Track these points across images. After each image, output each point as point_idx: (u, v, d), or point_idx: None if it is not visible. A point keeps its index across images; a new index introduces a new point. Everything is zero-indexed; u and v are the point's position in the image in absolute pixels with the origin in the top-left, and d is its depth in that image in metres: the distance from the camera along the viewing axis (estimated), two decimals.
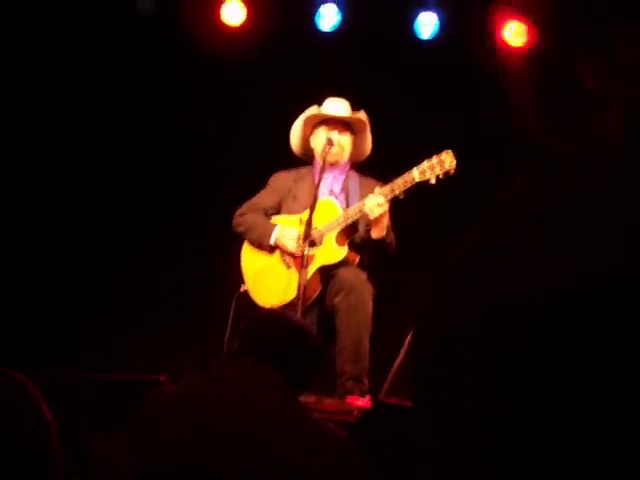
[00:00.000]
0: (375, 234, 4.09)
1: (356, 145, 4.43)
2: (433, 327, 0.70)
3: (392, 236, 4.18)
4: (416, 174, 4.03)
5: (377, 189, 4.08)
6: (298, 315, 3.75)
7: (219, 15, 5.62)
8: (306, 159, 4.52)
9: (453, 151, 4.05)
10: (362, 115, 4.40)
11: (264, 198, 4.44)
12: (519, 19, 5.39)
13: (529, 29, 5.34)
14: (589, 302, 0.62)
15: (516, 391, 0.62)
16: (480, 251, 0.70)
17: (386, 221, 4.08)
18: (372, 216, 4.02)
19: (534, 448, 0.61)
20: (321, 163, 4.23)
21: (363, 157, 4.49)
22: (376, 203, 4.00)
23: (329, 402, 3.77)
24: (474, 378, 0.64)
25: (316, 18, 5.63)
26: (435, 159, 4.05)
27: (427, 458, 0.70)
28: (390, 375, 3.68)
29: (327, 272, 4.13)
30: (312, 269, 4.07)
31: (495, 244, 0.68)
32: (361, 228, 4.22)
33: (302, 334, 2.28)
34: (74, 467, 1.88)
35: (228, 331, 3.96)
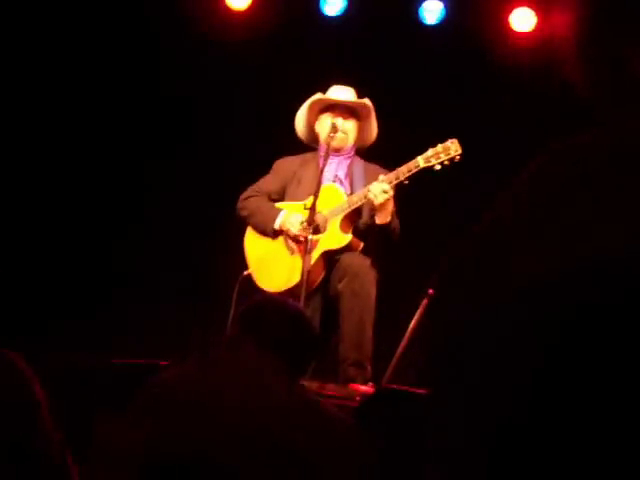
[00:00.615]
0: (379, 220, 4.08)
1: (361, 131, 4.42)
2: (458, 306, 0.67)
3: (396, 222, 4.18)
4: (421, 161, 4.03)
5: (382, 175, 4.08)
6: (301, 300, 3.74)
7: None
8: (311, 145, 4.51)
9: (458, 139, 4.05)
10: (367, 101, 4.39)
11: (268, 183, 4.43)
12: (526, 5, 5.37)
13: (537, 14, 5.32)
14: None
15: (560, 376, 0.59)
16: (515, 220, 0.65)
17: (391, 207, 4.07)
18: (377, 202, 4.01)
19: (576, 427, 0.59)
20: (325, 149, 4.22)
21: (368, 143, 4.48)
22: (381, 189, 3.99)
23: (332, 388, 3.77)
24: (508, 360, 0.61)
25: (321, 3, 5.62)
26: (440, 147, 4.05)
27: (440, 443, 0.67)
28: (393, 361, 3.68)
29: (331, 257, 4.12)
30: (316, 254, 4.06)
31: (533, 211, 0.64)
32: (365, 214, 4.21)
33: (301, 319, 2.29)
34: (72, 449, 1.87)
35: (231, 315, 3.95)
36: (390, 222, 4.10)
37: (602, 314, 0.58)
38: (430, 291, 3.63)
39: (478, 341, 0.64)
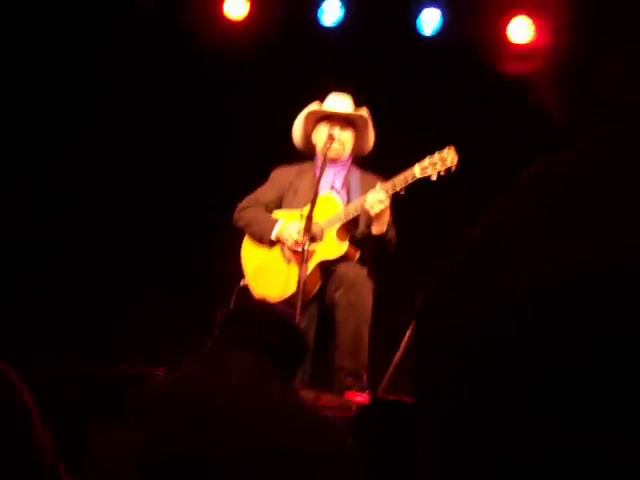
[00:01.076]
0: (376, 230, 4.09)
1: (358, 141, 4.42)
2: (458, 310, 0.66)
3: (393, 232, 4.18)
4: (417, 170, 4.03)
5: (378, 185, 4.08)
6: (298, 310, 3.74)
7: (221, 9, 5.61)
8: (309, 154, 4.51)
9: (455, 147, 4.05)
10: (364, 111, 4.39)
11: (265, 192, 4.43)
12: (525, 15, 5.38)
13: (535, 25, 5.33)
14: None
15: (569, 382, 0.58)
16: (520, 220, 0.64)
17: (387, 217, 4.08)
18: (373, 212, 4.01)
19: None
20: (322, 159, 4.22)
21: (365, 152, 4.48)
22: (377, 199, 4.00)
23: (327, 398, 3.76)
24: (514, 361, 0.60)
25: (319, 13, 5.63)
26: (437, 155, 4.05)
27: (430, 450, 0.66)
28: (389, 371, 3.67)
29: (327, 267, 4.13)
30: (312, 264, 4.06)
31: (539, 211, 0.63)
32: (362, 224, 4.21)
33: (289, 323, 2.31)
34: (65, 456, 1.87)
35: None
36: (386, 232, 4.10)
37: (610, 315, 0.58)
38: None
39: (482, 343, 0.63)
